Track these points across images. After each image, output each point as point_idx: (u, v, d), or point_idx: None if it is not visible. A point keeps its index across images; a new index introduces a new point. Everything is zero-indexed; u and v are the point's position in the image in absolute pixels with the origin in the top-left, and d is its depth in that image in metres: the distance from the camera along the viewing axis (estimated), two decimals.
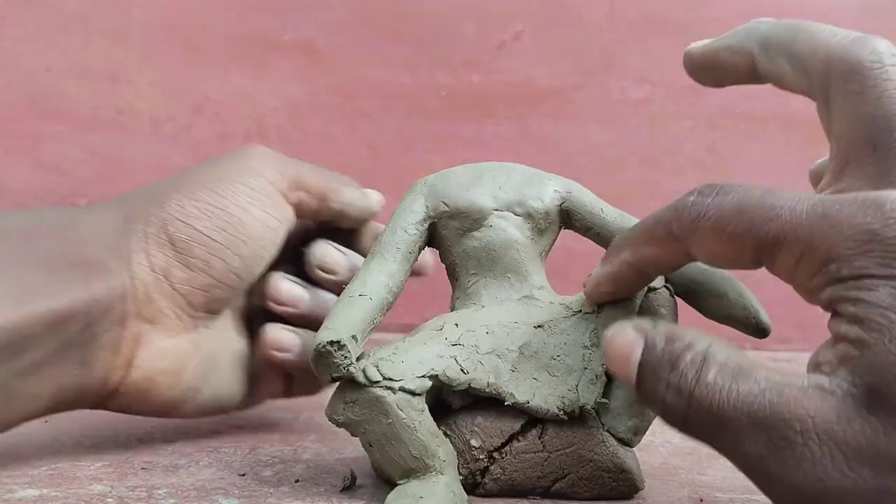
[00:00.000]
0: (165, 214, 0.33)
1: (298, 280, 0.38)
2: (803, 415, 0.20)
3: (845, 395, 0.20)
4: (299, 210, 0.37)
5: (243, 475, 0.33)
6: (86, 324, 0.30)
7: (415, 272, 0.35)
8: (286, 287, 0.37)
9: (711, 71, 0.30)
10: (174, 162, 0.79)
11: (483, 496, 0.31)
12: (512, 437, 0.30)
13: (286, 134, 0.81)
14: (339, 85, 0.82)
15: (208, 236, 0.33)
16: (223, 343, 0.37)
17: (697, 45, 0.30)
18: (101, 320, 0.31)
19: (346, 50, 0.82)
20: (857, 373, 0.20)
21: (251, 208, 0.34)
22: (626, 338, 0.23)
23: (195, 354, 0.35)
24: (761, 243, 0.23)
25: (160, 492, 0.30)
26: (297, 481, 0.32)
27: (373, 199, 0.39)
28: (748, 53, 0.28)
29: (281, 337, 0.36)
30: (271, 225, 0.35)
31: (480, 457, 0.30)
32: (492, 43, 0.83)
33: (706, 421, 0.21)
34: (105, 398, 0.33)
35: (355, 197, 0.38)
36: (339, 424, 0.29)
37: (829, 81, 0.25)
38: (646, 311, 0.31)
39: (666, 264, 0.28)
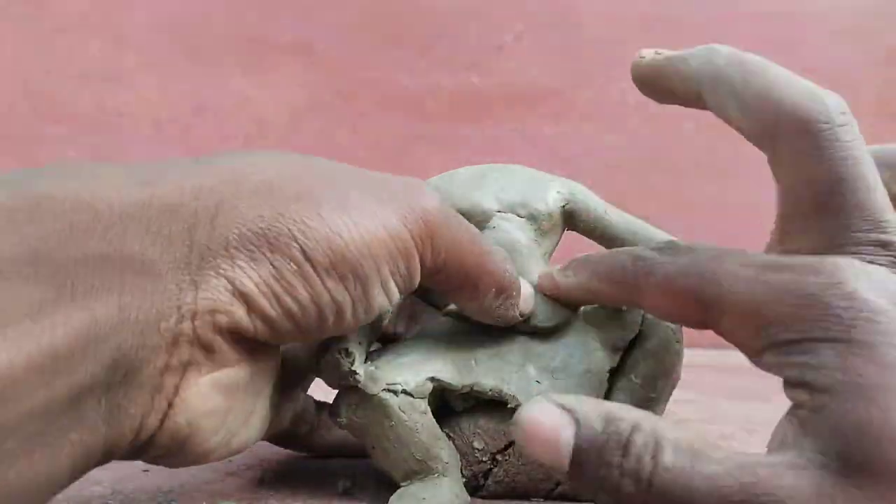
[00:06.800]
0: (297, 226, 0.22)
1: None
2: (779, 495, 0.19)
3: (820, 469, 0.19)
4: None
5: (244, 477, 0.33)
6: (112, 359, 0.20)
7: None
8: None
9: (654, 88, 0.28)
10: None
11: (486, 498, 0.31)
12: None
13: (286, 136, 0.82)
14: (339, 86, 0.82)
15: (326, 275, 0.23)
16: (271, 374, 0.26)
17: (647, 54, 0.27)
18: (138, 349, 0.20)
19: (346, 52, 0.82)
20: (823, 439, 0.19)
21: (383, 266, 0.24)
22: (549, 418, 0.20)
23: (246, 388, 0.24)
24: (704, 306, 0.23)
25: (161, 494, 0.30)
26: (298, 483, 0.32)
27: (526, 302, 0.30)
28: (695, 85, 0.26)
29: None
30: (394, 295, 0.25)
31: (483, 459, 0.30)
32: (492, 44, 0.83)
33: None
34: (135, 452, 0.22)
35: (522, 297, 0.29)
36: (342, 427, 0.29)
37: (778, 136, 0.24)
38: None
39: (617, 304, 0.29)
